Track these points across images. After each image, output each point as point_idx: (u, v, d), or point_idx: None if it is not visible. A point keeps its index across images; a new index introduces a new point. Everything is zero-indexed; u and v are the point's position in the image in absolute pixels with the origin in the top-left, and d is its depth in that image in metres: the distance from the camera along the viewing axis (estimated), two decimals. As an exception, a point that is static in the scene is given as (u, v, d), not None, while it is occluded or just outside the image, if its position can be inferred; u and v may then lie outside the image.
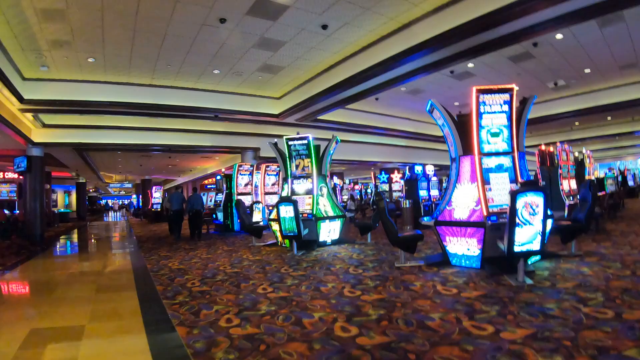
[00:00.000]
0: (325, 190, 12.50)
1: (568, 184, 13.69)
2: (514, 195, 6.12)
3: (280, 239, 11.94)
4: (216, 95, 14.64)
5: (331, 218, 11.90)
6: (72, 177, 34.89)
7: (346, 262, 8.93)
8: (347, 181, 39.14)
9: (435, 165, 29.39)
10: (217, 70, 13.02)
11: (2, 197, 22.92)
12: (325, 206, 12.08)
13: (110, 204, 75.60)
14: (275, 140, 13.28)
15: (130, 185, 49.71)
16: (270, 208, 18.17)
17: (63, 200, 39.20)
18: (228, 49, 11.56)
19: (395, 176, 26.59)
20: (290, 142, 12.23)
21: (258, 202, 17.17)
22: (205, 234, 17.16)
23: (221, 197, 18.69)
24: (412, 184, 18.83)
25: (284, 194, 12.44)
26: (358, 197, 32.31)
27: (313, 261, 9.26)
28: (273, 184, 19.42)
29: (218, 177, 19.27)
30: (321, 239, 11.56)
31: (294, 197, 11.33)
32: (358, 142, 22.91)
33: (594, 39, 12.03)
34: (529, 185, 6.60)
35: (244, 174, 18.32)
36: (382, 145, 25.22)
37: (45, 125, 16.13)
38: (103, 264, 10.58)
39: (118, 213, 56.56)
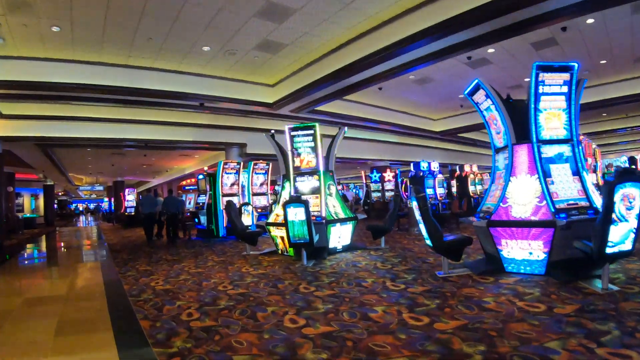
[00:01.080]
0: (333, 189, 10.96)
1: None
2: (611, 187, 5.15)
3: (281, 246, 10.37)
4: (203, 80, 12.79)
5: (342, 221, 10.38)
6: (39, 180, 32.87)
7: (374, 273, 7.46)
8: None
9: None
10: (207, 46, 11.09)
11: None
12: (335, 207, 10.56)
13: (81, 208, 72.89)
14: (272, 131, 11.67)
15: (101, 188, 47.35)
16: (260, 210, 16.64)
17: (29, 204, 36.61)
18: (224, 17, 9.62)
19: (388, 175, 25.38)
20: (293, 133, 10.56)
21: (247, 204, 15.44)
22: (187, 241, 15.51)
23: (204, 198, 16.81)
24: (418, 181, 17.38)
25: (286, 193, 10.74)
26: (353, 197, 30.73)
27: (333, 274, 7.63)
28: (262, 184, 17.88)
29: (200, 177, 17.39)
30: (331, 245, 10.04)
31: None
32: (350, 139, 21.19)
33: (622, 26, 11.16)
34: (627, 175, 5.37)
35: (230, 173, 16.51)
36: (374, 142, 23.65)
37: (2, 116, 13.96)
38: (68, 284, 8.34)
39: (89, 217, 53.88)
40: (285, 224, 9.07)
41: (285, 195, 10.79)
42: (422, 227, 6.96)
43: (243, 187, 17.08)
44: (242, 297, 6.27)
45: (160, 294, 6.78)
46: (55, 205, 57.60)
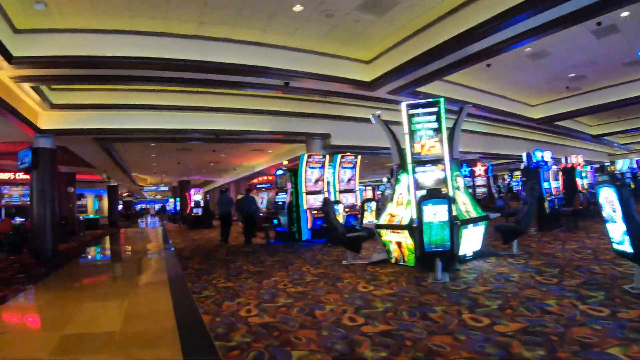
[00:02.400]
0: (461, 181, 8.99)
1: None
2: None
3: (396, 254, 8.47)
4: (288, 54, 10.69)
5: (475, 221, 8.35)
6: (102, 181, 32.23)
7: (544, 291, 5.77)
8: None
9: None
10: (299, 5, 8.85)
11: (13, 202, 19.41)
12: (465, 204, 8.57)
13: (145, 209, 73.65)
14: (378, 112, 9.37)
15: (166, 188, 46.44)
16: (347, 210, 14.43)
17: (92, 205, 36.06)
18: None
19: (479, 169, 23.23)
20: (412, 111, 8.47)
21: (337, 202, 13.40)
22: (266, 245, 13.70)
23: (284, 196, 14.76)
24: (532, 175, 14.72)
25: (402, 188, 8.58)
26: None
27: (491, 294, 5.75)
28: (349, 180, 15.59)
29: (279, 172, 15.39)
30: (461, 251, 8.05)
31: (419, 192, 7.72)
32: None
33: None
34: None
35: (314, 167, 14.51)
36: (463, 131, 20.89)
37: (53, 106, 12.51)
38: (124, 314, 6.07)
39: (154, 218, 53.44)
40: (418, 226, 6.98)
41: (401, 190, 8.66)
42: (612, 226, 5.56)
43: (328, 183, 14.94)
44: (390, 338, 4.29)
45: (260, 333, 4.75)
46: (121, 207, 58.50)
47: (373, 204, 14.73)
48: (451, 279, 6.74)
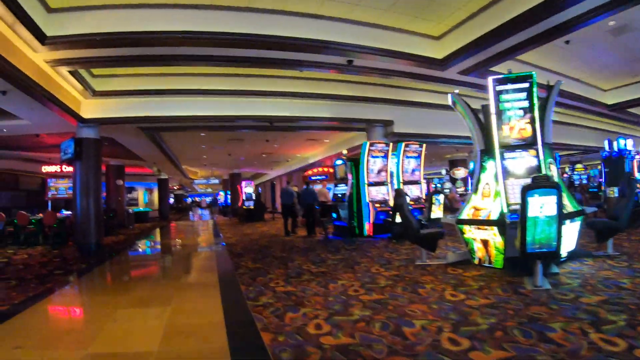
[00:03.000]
0: (555, 170, 7.82)
1: None
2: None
3: (480, 253, 7.50)
4: (349, 28, 9.55)
5: (572, 216, 7.25)
6: (153, 174, 32.38)
7: None
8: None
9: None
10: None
11: (60, 194, 19.10)
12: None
13: (197, 201, 74.37)
14: (456, 90, 8.28)
15: (217, 181, 46.27)
16: (412, 203, 13.32)
17: (143, 198, 36.11)
18: None
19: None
20: (500, 87, 7.41)
21: (405, 194, 12.25)
22: (325, 240, 12.92)
23: (344, 188, 13.77)
24: (616, 165, 13.31)
25: (488, 177, 7.52)
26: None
27: (609, 306, 4.74)
28: (414, 170, 14.50)
29: (339, 162, 14.44)
30: None
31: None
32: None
33: None
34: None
35: (377, 156, 13.53)
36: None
37: (96, 94, 11.97)
38: (165, 325, 5.10)
39: (205, 211, 53.40)
40: (520, 222, 5.90)
41: (487, 180, 7.55)
42: None
43: (391, 174, 13.89)
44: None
45: None
46: (172, 200, 59.15)
47: (441, 197, 13.58)
48: (553, 286, 5.72)
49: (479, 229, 7.31)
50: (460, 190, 24.89)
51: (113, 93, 11.99)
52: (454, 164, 26.91)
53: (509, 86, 7.31)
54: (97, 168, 12.94)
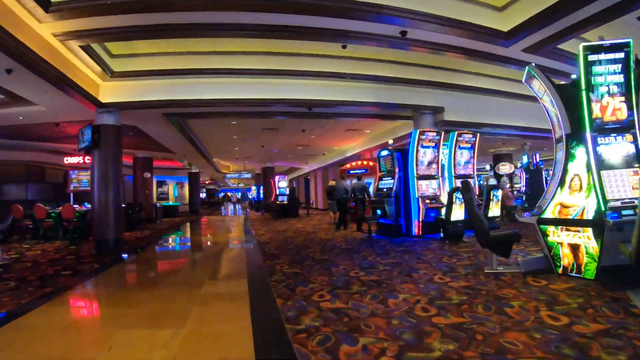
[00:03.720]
0: None
1: None
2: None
3: (567, 261, 6.30)
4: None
5: None
6: (184, 167, 31.81)
7: None
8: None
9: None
10: None
11: (82, 187, 18.22)
12: None
13: (226, 196, 74.18)
14: (533, 62, 6.97)
15: (249, 176, 45.32)
16: (480, 199, 12.04)
17: (173, 192, 35.56)
18: None
19: None
20: (593, 56, 6.15)
21: (458, 188, 10.98)
22: (368, 240, 11.67)
23: (390, 182, 12.54)
24: None
25: (578, 167, 6.19)
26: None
27: None
28: (466, 163, 13.22)
29: (384, 153, 13.14)
30: None
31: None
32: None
33: None
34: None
35: (427, 146, 12.28)
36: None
37: (114, 75, 10.93)
38: (177, 354, 3.91)
39: (237, 206, 52.62)
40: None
41: (576, 170, 6.22)
42: None
43: (442, 167, 12.60)
44: None
45: None
46: (204, 194, 58.81)
47: (499, 192, 12.24)
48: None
49: (567, 230, 6.02)
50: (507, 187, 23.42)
51: (134, 74, 10.92)
52: (498, 158, 25.32)
53: (603, 56, 5.99)
54: (117, 157, 11.90)
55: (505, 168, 24.66)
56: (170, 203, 29.60)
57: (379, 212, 12.72)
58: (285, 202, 24.65)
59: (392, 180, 12.50)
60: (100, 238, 11.26)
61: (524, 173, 20.50)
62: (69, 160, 19.53)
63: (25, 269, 8.43)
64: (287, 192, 25.74)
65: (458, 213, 11.08)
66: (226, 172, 42.73)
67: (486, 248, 7.00)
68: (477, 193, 12.43)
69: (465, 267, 7.31)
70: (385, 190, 12.78)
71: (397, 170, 12.33)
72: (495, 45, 9.58)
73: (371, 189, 15.45)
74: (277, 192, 26.12)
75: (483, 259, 7.86)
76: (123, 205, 16.47)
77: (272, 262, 8.45)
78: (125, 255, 10.36)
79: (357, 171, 20.19)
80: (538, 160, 19.49)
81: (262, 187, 35.02)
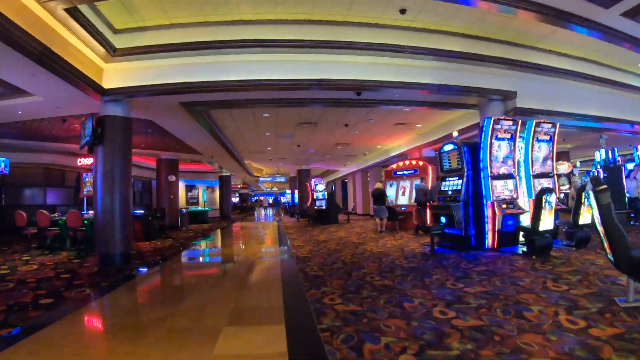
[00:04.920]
0: None
1: None
2: None
3: None
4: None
5: None
6: (214, 171, 30.57)
7: None
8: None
9: None
10: None
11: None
12: None
13: (258, 201, 73.15)
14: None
15: (283, 179, 43.46)
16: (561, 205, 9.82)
17: (202, 197, 34.13)
18: None
19: None
20: None
21: (550, 190, 8.91)
22: (432, 255, 9.51)
23: (456, 183, 10.38)
24: None
25: None
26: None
27: None
28: (545, 159, 11.00)
29: (448, 148, 10.88)
30: None
31: None
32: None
33: None
34: None
35: (502, 139, 10.03)
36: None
37: (116, 52, 8.87)
38: None
39: (271, 211, 50.79)
40: None
41: None
42: None
43: (518, 163, 10.44)
44: None
45: None
46: (236, 199, 57.50)
47: (591, 195, 9.97)
48: None
49: None
50: (564, 188, 20.78)
51: (141, 51, 8.88)
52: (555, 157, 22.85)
53: None
54: (126, 155, 9.92)
55: (562, 167, 22.17)
56: (199, 208, 28.08)
57: (442, 219, 10.54)
58: (324, 208, 22.71)
59: (460, 181, 10.29)
60: (104, 252, 9.29)
61: (601, 171, 17.99)
62: (83, 161, 17.78)
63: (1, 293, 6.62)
64: (326, 196, 23.84)
65: (547, 221, 8.91)
66: (259, 175, 41.07)
67: (626, 273, 4.87)
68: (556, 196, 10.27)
69: (587, 298, 5.18)
70: (450, 193, 10.57)
71: (466, 168, 10.16)
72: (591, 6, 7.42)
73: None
74: (314, 197, 24.30)
75: (599, 283, 5.83)
76: (141, 212, 14.87)
77: (317, 292, 6.22)
78: (131, 275, 8.36)
79: (404, 172, 18.06)
80: (616, 155, 16.96)
81: (296, 191, 33.40)
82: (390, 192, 18.24)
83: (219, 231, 19.99)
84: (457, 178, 10.53)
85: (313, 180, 26.18)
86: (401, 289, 6.20)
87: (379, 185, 16.50)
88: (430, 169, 17.32)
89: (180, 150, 19.75)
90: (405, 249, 10.56)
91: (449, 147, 10.85)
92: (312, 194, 25.05)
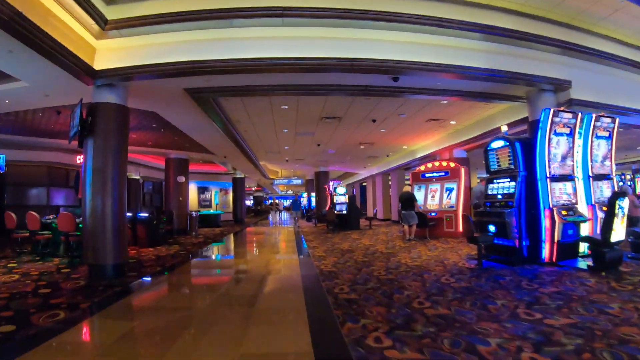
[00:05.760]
0: None
1: None
2: None
3: None
4: None
5: None
6: (227, 172, 29.27)
7: None
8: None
9: None
10: None
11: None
12: None
13: (273, 204, 71.95)
14: None
15: (300, 182, 42.08)
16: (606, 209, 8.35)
17: (214, 199, 32.95)
18: None
19: None
20: None
21: (622, 193, 7.49)
22: (481, 271, 8.01)
23: (506, 185, 8.95)
24: None
25: None
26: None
27: None
28: (604, 158, 9.59)
29: (496, 144, 9.40)
30: None
31: None
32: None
33: None
34: None
35: (561, 133, 8.59)
36: None
37: (108, 25, 7.48)
38: None
39: (285, 214, 49.42)
40: None
41: None
42: None
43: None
44: None
45: None
46: (250, 202, 56.33)
47: (625, 202, 8.39)
48: None
49: None
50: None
51: (138, 22, 7.48)
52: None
53: None
54: (121, 150, 8.41)
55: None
56: (211, 211, 26.88)
57: (491, 228, 9.07)
58: (344, 212, 21.21)
59: (512, 183, 8.85)
60: (94, 263, 7.87)
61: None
62: (82, 159, 16.61)
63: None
64: (347, 200, 22.40)
65: (619, 230, 7.48)
66: (274, 177, 39.83)
67: None
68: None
69: None
70: (500, 197, 9.12)
71: (520, 168, 8.73)
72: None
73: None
74: (334, 201, 22.91)
75: None
76: (145, 215, 13.60)
77: (355, 328, 4.71)
78: (122, 292, 6.90)
79: (434, 174, 16.57)
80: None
81: (313, 195, 32.10)
82: (418, 196, 16.69)
83: (231, 237, 18.56)
84: (508, 180, 9.07)
85: (331, 183, 24.85)
86: (464, 322, 4.76)
87: (407, 188, 15.00)
88: (462, 171, 15.89)
89: (191, 149, 18.47)
90: (447, 263, 9.09)
91: (498, 144, 9.37)
92: (331, 198, 23.73)
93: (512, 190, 8.90)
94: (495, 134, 13.68)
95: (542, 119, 8.59)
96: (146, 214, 13.92)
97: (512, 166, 9.02)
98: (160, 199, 27.31)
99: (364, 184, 37.23)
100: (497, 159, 9.49)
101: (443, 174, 16.33)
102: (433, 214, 15.62)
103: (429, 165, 17.12)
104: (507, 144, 9.10)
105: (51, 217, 12.14)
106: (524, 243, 8.56)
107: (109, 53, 7.83)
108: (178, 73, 7.92)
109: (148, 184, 27.23)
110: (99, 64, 7.79)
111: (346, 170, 33.77)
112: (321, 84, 9.37)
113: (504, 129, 10.38)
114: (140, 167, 24.13)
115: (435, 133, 16.65)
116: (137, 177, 24.02)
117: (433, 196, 16.59)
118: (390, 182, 28.41)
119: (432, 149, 18.68)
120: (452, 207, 15.70)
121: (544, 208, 8.40)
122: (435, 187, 16.58)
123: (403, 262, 9.47)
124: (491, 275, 7.52)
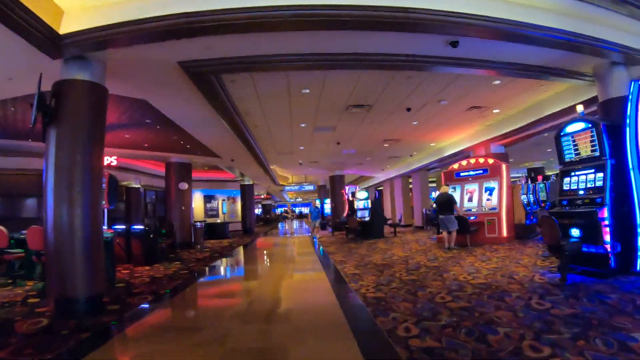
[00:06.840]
0: None
1: None
2: None
3: None
4: None
5: None
6: (235, 179, 28.06)
7: None
8: None
9: None
10: None
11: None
12: None
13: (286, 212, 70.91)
14: None
15: (312, 188, 40.30)
16: None
17: (222, 208, 31.53)
18: None
19: None
20: None
21: None
22: (573, 292, 5.97)
23: (592, 179, 7.18)
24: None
25: None
26: None
27: None
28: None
29: (577, 127, 7.56)
30: None
31: None
32: None
33: None
34: None
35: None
36: None
37: None
38: None
39: (296, 223, 47.73)
40: None
41: None
42: None
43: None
44: None
45: None
46: (260, 210, 54.97)
47: None
48: None
49: None
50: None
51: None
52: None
53: None
54: (95, 143, 6.44)
55: None
56: (218, 221, 25.40)
57: (574, 232, 7.21)
58: (367, 219, 19.29)
59: (600, 175, 7.02)
60: (62, 295, 5.94)
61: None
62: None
63: None
64: (369, 206, 20.53)
65: None
66: (284, 184, 38.12)
67: None
68: None
69: None
70: (582, 193, 7.28)
71: (607, 156, 6.91)
72: None
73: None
74: (354, 207, 21.26)
75: None
76: (139, 228, 11.88)
77: None
78: (92, 339, 4.95)
79: (470, 173, 14.74)
80: None
81: (327, 201, 30.93)
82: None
83: (240, 250, 16.77)
84: (592, 170, 7.28)
85: (347, 188, 23.17)
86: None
87: (445, 188, 13.08)
88: (504, 167, 14.04)
89: (193, 152, 16.73)
90: (518, 278, 7.22)
91: (576, 127, 7.54)
92: (349, 203, 22.10)
93: (599, 184, 7.11)
94: (543, 123, 12.25)
95: (632, 91, 6.79)
96: (141, 227, 12.19)
97: (597, 154, 7.21)
98: (164, 209, 25.99)
99: (379, 188, 35.67)
100: (576, 145, 7.66)
101: (481, 171, 14.49)
102: (473, 217, 13.78)
103: (464, 162, 15.26)
104: (590, 125, 7.26)
105: (25, 232, 10.45)
106: (617, 248, 6.75)
107: (80, 14, 5.92)
108: (169, 33, 5.91)
109: (150, 193, 25.75)
110: (66, 28, 5.98)
111: (362, 173, 32.01)
112: (357, 53, 7.31)
113: (580, 108, 8.48)
114: (140, 174, 22.49)
115: (473, 125, 14.76)
116: (138, 186, 22.28)
117: (470, 197, 14.73)
118: (410, 185, 26.84)
119: (465, 145, 16.86)
120: (494, 209, 13.83)
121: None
122: (473, 187, 14.68)
123: (462, 278, 7.62)
124: (589, 293, 5.78)
